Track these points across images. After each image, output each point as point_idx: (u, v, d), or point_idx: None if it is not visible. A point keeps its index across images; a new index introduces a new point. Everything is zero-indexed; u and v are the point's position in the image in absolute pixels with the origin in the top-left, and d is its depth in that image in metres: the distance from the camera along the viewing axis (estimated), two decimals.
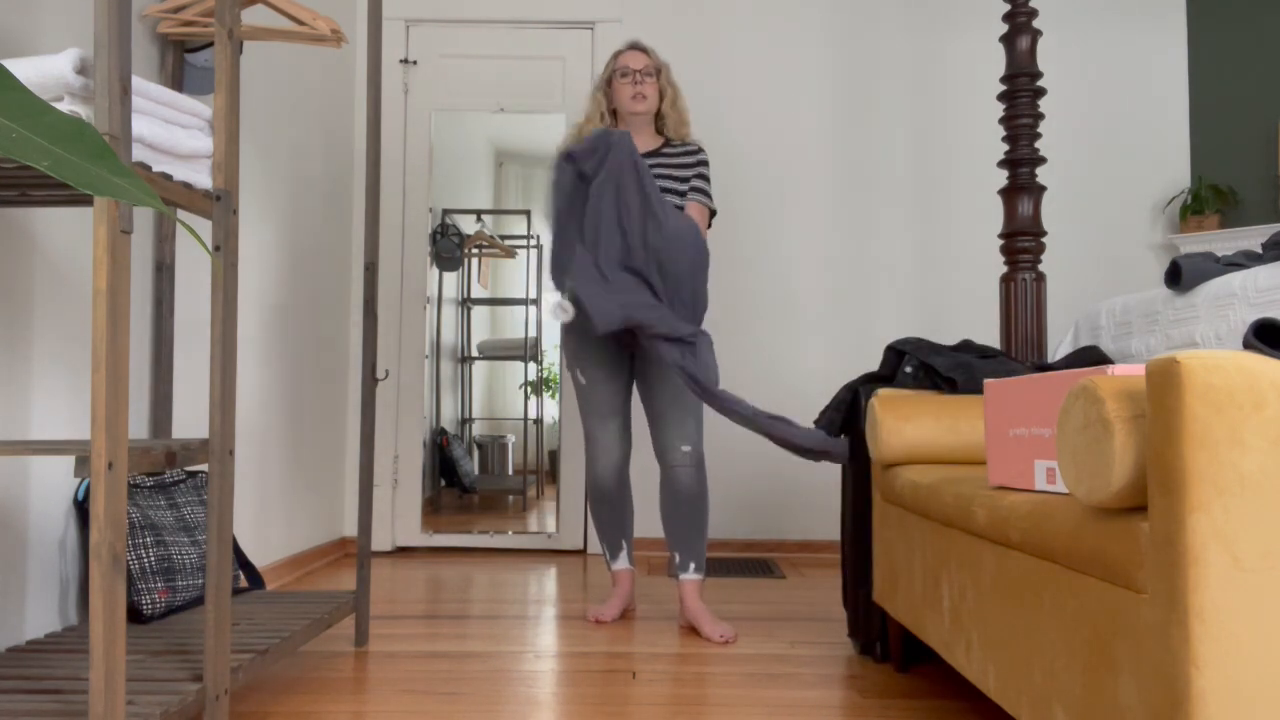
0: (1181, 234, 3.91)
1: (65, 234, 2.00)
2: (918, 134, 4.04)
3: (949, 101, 4.04)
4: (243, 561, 2.40)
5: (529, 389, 5.52)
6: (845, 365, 3.97)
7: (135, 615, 2.00)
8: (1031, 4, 2.88)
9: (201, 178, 1.58)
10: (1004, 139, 2.67)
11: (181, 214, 2.48)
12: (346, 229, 3.88)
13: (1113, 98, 4.05)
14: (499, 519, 4.95)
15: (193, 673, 1.59)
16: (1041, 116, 2.65)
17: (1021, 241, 2.64)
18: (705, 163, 2.71)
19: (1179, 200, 3.99)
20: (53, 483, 1.98)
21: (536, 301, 5.39)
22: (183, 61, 2.38)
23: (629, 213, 2.45)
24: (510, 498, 5.46)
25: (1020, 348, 2.62)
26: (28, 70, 1.34)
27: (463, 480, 5.16)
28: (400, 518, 3.96)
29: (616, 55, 2.75)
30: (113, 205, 1.21)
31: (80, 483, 2.03)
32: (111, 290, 1.21)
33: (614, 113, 2.76)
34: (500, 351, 5.62)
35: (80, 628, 1.92)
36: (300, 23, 2.31)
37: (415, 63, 4.01)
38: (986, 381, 1.55)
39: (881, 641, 2.24)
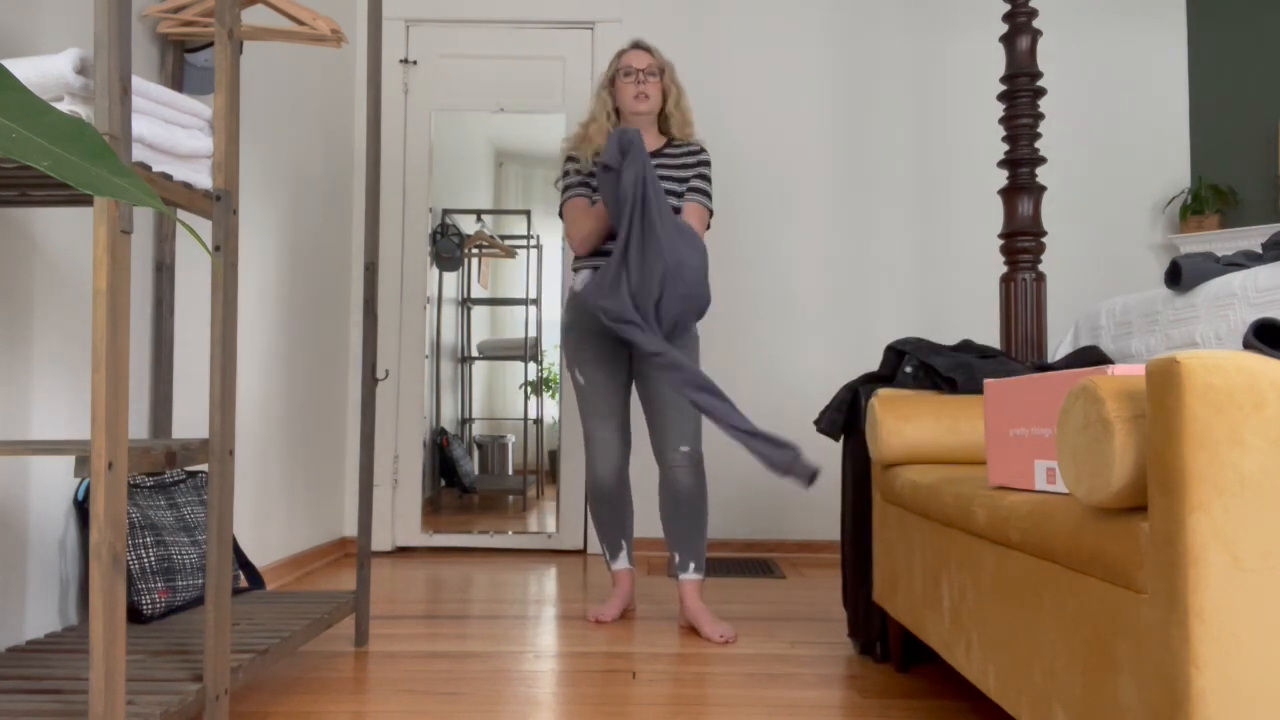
0: (1181, 234, 3.91)
1: (65, 234, 2.00)
2: (918, 134, 4.04)
3: (949, 101, 4.04)
4: (243, 561, 2.40)
5: (529, 389, 5.52)
6: (845, 365, 3.97)
7: (135, 615, 2.00)
8: (1031, 4, 2.88)
9: (201, 178, 1.58)
10: (1004, 139, 2.67)
11: (181, 214, 2.48)
12: (346, 229, 3.88)
13: (1113, 98, 4.05)
14: (499, 519, 4.95)
15: (193, 673, 1.59)
16: (1041, 116, 2.65)
17: (1021, 241, 2.64)
18: (707, 163, 2.71)
19: (1179, 200, 3.99)
20: (53, 483, 1.98)
21: (536, 301, 5.39)
22: (183, 61, 2.38)
23: (639, 230, 2.45)
24: (510, 498, 5.46)
25: (1020, 348, 2.62)
26: (28, 70, 1.34)
27: (463, 480, 5.16)
28: (400, 518, 3.96)
29: (620, 54, 2.74)
30: (113, 205, 1.21)
31: (80, 483, 2.03)
32: (111, 290, 1.21)
33: (617, 112, 2.75)
34: (500, 351, 5.62)
35: (80, 628, 1.92)
36: (300, 23, 2.31)
37: (415, 63, 4.02)
38: (986, 381, 1.55)
39: (881, 641, 2.24)
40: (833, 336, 3.99)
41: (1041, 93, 2.64)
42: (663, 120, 2.77)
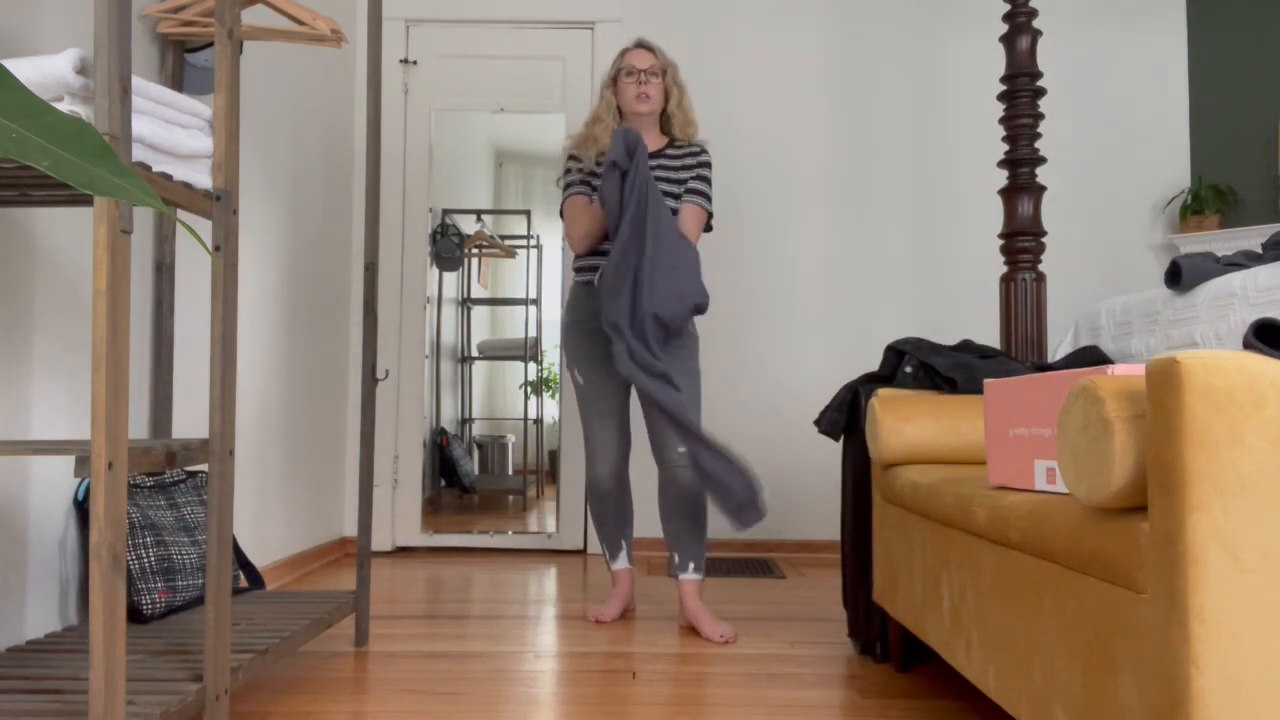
0: (1181, 234, 3.91)
1: (65, 234, 2.00)
2: (918, 134, 4.04)
3: (949, 102, 4.04)
4: (243, 561, 2.40)
5: (529, 389, 5.52)
6: (845, 365, 3.97)
7: (135, 615, 2.00)
8: (1031, 4, 2.88)
9: (201, 178, 1.58)
10: (1004, 139, 2.67)
11: (181, 214, 2.48)
12: (346, 229, 3.88)
13: (1113, 98, 4.05)
14: (499, 519, 4.95)
15: (193, 673, 1.59)
16: (1041, 116, 2.65)
17: (1021, 241, 2.64)
18: (707, 164, 2.70)
19: (1179, 200, 3.99)
20: (53, 483, 1.98)
21: (536, 301, 5.39)
22: (183, 61, 2.38)
23: (636, 232, 2.46)
24: (510, 498, 5.46)
25: (1020, 348, 2.62)
26: (28, 70, 1.34)
27: (463, 480, 5.16)
28: (400, 518, 3.96)
29: (623, 53, 2.73)
30: (113, 205, 1.21)
31: (80, 483, 2.03)
32: (111, 290, 1.21)
33: (620, 111, 2.75)
34: (500, 351, 5.61)
35: (80, 628, 1.92)
36: (300, 23, 2.31)
37: (415, 63, 4.02)
38: (986, 381, 1.55)
39: (881, 641, 2.24)
40: (833, 336, 3.99)
41: (1041, 93, 2.64)
42: (664, 121, 2.76)
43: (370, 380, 2.37)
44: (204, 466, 2.49)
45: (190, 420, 2.55)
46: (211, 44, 2.37)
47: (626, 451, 2.71)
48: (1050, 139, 3.94)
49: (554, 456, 4.26)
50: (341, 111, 3.79)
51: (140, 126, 1.45)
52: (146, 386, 2.32)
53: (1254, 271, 1.91)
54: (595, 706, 1.90)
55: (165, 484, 2.23)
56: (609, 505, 2.72)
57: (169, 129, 1.51)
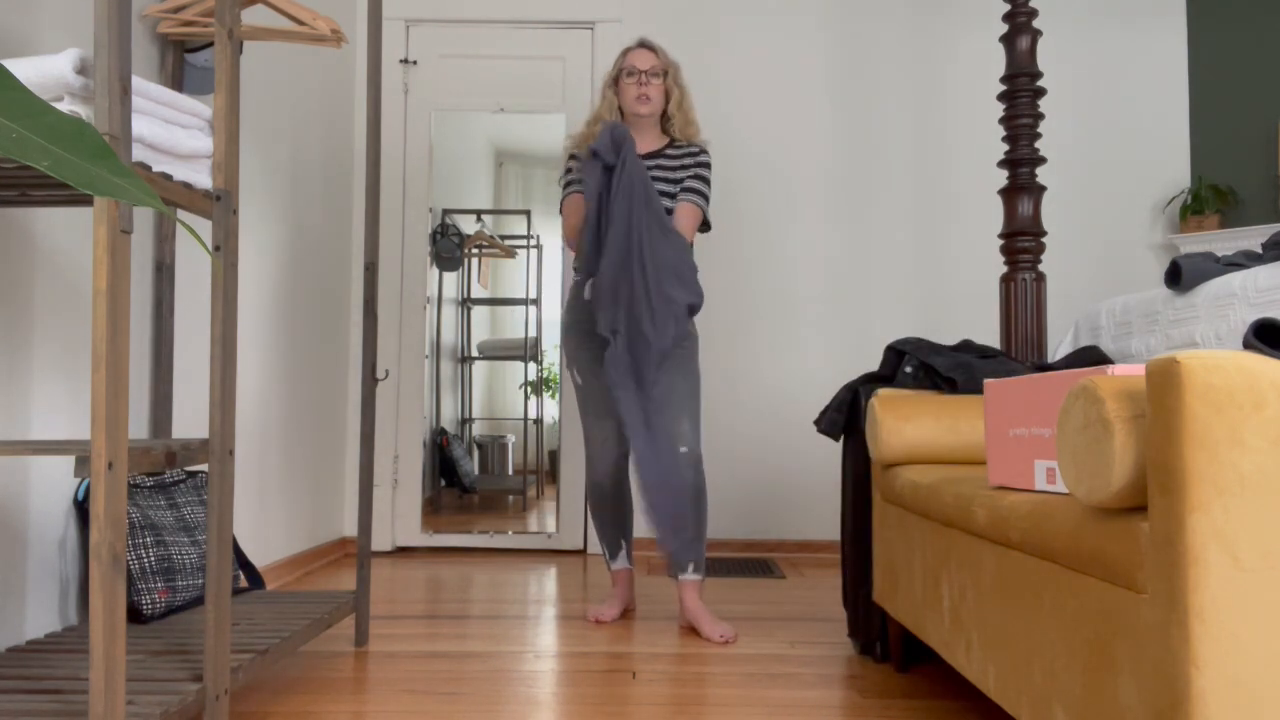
0: (1181, 234, 3.91)
1: (65, 234, 2.00)
2: (918, 134, 4.04)
3: (949, 101, 4.04)
4: (243, 561, 2.40)
5: (529, 389, 5.52)
6: (845, 365, 3.97)
7: (135, 615, 2.00)
8: (1031, 4, 2.88)
9: (201, 178, 1.58)
10: (1004, 139, 2.67)
11: (181, 214, 2.48)
12: (346, 229, 3.88)
13: (1113, 98, 4.05)
14: (499, 519, 4.95)
15: (193, 673, 1.59)
16: (1041, 116, 2.65)
17: (1021, 241, 2.64)
18: (705, 164, 2.70)
19: (1179, 200, 3.99)
20: (53, 483, 1.98)
21: (537, 301, 5.39)
22: (183, 61, 2.38)
23: (633, 233, 2.47)
24: (510, 498, 5.46)
25: (1020, 348, 2.62)
26: (28, 70, 1.34)
27: (463, 480, 5.16)
28: (400, 518, 3.96)
29: (625, 53, 2.73)
30: (113, 205, 1.21)
31: (80, 483, 2.03)
32: (111, 290, 1.21)
33: (622, 111, 2.75)
34: (500, 351, 5.62)
35: (80, 628, 1.92)
36: (300, 23, 2.31)
37: (415, 63, 4.02)
38: (986, 381, 1.55)
39: (881, 641, 2.24)
40: (833, 336, 3.99)
41: (1041, 93, 2.64)
42: (665, 121, 2.76)
43: (370, 380, 2.37)
44: (204, 466, 2.49)
45: (190, 420, 2.55)
46: (211, 44, 2.37)
47: (626, 451, 2.71)
48: (1050, 139, 3.94)
49: (554, 456, 4.26)
50: (341, 111, 3.79)
51: (140, 126, 1.45)
52: (146, 386, 2.32)
53: (1254, 271, 1.91)
54: (595, 706, 1.90)
55: (165, 484, 2.23)
56: (608, 505, 2.72)
57: (169, 129, 1.51)
